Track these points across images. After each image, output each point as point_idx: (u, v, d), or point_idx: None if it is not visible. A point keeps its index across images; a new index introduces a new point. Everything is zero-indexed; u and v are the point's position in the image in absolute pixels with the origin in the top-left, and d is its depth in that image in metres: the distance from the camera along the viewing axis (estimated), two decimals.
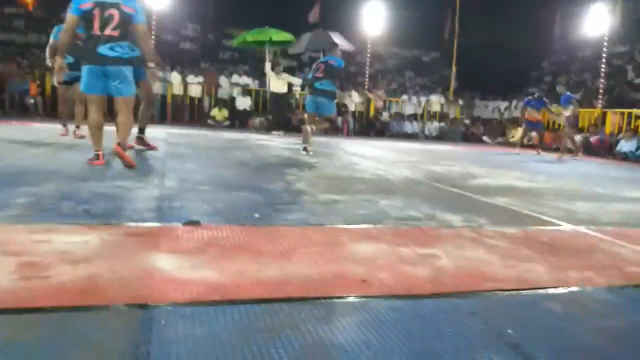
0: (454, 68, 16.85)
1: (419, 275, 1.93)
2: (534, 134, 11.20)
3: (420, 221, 2.95)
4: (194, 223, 2.45)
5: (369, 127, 15.09)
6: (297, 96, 15.36)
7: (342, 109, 14.83)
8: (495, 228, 2.88)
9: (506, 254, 2.32)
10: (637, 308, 1.76)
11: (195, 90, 14.50)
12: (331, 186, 4.11)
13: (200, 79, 14.75)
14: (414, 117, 15.81)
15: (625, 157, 10.27)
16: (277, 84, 12.32)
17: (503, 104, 16.81)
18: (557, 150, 10.82)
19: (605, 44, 12.95)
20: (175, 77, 14.17)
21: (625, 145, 10.59)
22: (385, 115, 15.64)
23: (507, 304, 1.72)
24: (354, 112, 15.44)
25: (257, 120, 14.04)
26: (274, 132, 12.13)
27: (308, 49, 15.11)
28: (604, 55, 13.12)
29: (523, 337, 1.44)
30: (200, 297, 1.56)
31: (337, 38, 14.40)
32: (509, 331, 1.48)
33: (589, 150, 11.92)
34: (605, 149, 11.68)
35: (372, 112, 15.37)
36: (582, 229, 3.04)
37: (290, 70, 18.61)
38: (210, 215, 2.68)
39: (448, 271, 2.01)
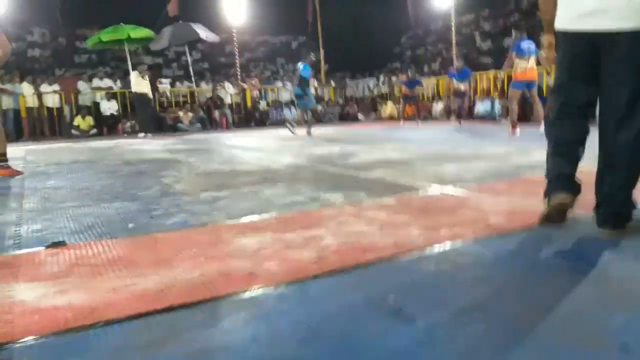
0: (322, 51, 17.24)
1: (305, 258, 1.94)
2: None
3: (304, 205, 2.98)
4: (59, 244, 2.23)
5: (248, 117, 14.96)
6: (169, 94, 14.69)
7: (217, 102, 14.50)
8: (374, 200, 3.01)
9: (384, 224, 2.43)
10: (500, 256, 1.92)
11: (52, 100, 13.19)
12: (212, 183, 3.99)
13: (57, 87, 13.45)
14: (291, 103, 15.95)
15: (482, 117, 11.35)
16: (140, 83, 11.59)
17: (371, 81, 17.61)
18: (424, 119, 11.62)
19: (452, 14, 14.06)
20: (26, 89, 12.74)
21: (481, 107, 11.69)
22: (263, 104, 15.60)
23: (387, 272, 1.79)
24: (230, 105, 15.18)
25: (127, 124, 13.20)
26: (139, 135, 11.47)
27: (171, 43, 14.49)
28: (453, 25, 14.25)
29: (403, 301, 1.52)
30: (69, 324, 1.41)
31: (200, 30, 13.99)
32: (390, 297, 1.55)
33: (451, 114, 12.95)
34: (465, 111, 12.78)
35: (249, 103, 15.22)
36: (449, 189, 3.29)
37: (157, 68, 17.74)
38: (77, 234, 2.46)
39: (332, 249, 2.05)
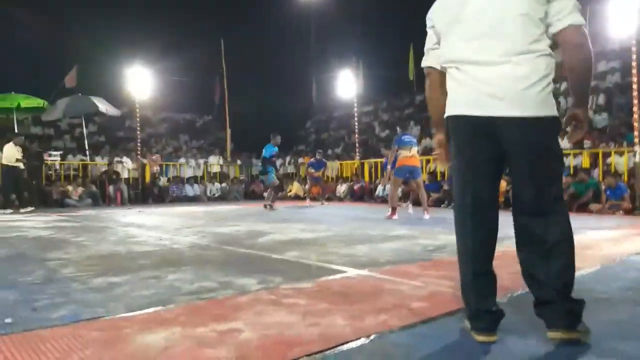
0: (228, 130, 17.33)
1: (222, 358, 1.70)
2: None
3: (215, 291, 2.72)
4: None
5: (146, 194, 14.23)
6: (57, 166, 13.64)
7: (112, 176, 13.69)
8: (291, 285, 2.84)
9: (306, 312, 2.26)
10: (428, 344, 1.84)
11: None
12: (107, 266, 3.57)
13: None
14: (194, 179, 15.55)
15: (384, 200, 11.80)
16: (13, 155, 10.46)
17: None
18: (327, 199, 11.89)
19: (355, 104, 15.00)
20: None
21: (381, 190, 12.21)
22: (163, 180, 15.01)
23: None
24: (127, 179, 14.40)
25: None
26: (21, 210, 10.30)
27: (66, 114, 13.72)
28: (355, 114, 15.16)
29: None
30: None
31: (100, 103, 13.49)
32: None
33: (354, 195, 13.41)
34: (367, 194, 13.29)
35: (147, 178, 14.55)
36: (365, 272, 3.22)
37: (46, 139, 16.61)
38: None
39: (252, 345, 1.83)
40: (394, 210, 7.42)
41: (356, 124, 14.99)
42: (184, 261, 3.78)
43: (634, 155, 8.31)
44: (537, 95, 1.76)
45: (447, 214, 7.65)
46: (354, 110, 15.15)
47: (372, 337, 1.92)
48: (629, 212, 8.02)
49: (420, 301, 2.45)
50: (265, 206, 10.22)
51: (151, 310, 2.35)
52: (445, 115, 1.96)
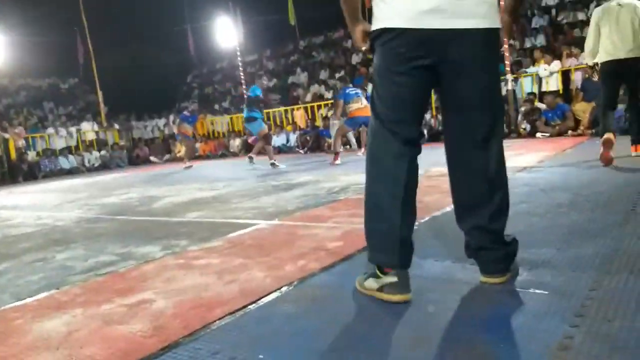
0: (99, 93, 15.82)
1: (137, 333, 1.54)
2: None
3: (115, 265, 2.48)
4: None
5: (14, 172, 12.67)
6: None
7: None
8: (200, 246, 2.68)
9: (221, 270, 2.14)
10: (350, 281, 1.81)
11: None
12: None
13: None
14: (68, 150, 14.13)
15: (280, 150, 11.73)
16: None
17: (161, 122, 16.84)
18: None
19: (238, 54, 14.40)
20: None
21: (277, 140, 12.10)
22: (31, 155, 13.45)
23: (244, 327, 1.52)
24: None
25: None
26: None
27: None
28: (239, 64, 14.57)
29: (273, 356, 1.28)
30: None
31: None
32: (260, 357, 1.29)
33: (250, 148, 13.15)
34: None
35: (13, 155, 12.94)
36: (276, 222, 3.15)
37: None
38: None
39: (168, 313, 1.68)
40: (337, 155, 7.34)
41: (242, 75, 14.44)
42: (71, 238, 3.41)
43: (505, 84, 9.01)
44: (487, 4, 1.53)
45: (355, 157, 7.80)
46: (238, 61, 14.55)
47: (294, 283, 1.86)
48: (504, 136, 8.78)
49: (335, 241, 2.44)
50: (250, 158, 8.61)
51: (44, 295, 2.07)
52: (373, 27, 1.60)
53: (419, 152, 1.62)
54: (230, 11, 15.49)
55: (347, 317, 1.52)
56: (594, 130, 7.58)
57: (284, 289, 1.82)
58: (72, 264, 2.59)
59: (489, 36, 1.53)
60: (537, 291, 1.54)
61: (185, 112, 10.95)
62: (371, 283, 1.65)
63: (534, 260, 1.84)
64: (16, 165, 12.79)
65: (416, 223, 1.71)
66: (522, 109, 8.97)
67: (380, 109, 1.62)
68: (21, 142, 13.30)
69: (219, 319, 1.59)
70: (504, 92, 9.30)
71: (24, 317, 1.80)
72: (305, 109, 13.06)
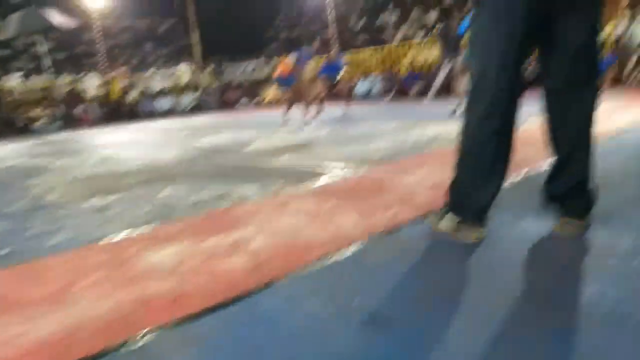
0: (197, 34, 16.27)
1: (238, 268, 1.64)
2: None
3: (215, 202, 2.63)
4: None
5: (117, 111, 13.64)
6: (16, 94, 12.83)
7: (78, 96, 13.02)
8: (293, 188, 2.76)
9: (315, 214, 2.20)
10: (439, 235, 1.78)
11: None
12: (93, 189, 3.41)
13: None
14: (165, 91, 14.90)
15: (363, 98, 11.58)
16: None
17: (250, 65, 17.12)
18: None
19: None
20: None
21: (360, 87, 11.93)
22: (133, 95, 14.35)
23: (341, 269, 1.57)
24: (94, 98, 13.74)
25: None
26: None
27: (21, 33, 12.65)
28: (327, 4, 14.22)
29: (371, 303, 1.31)
30: None
31: (53, 16, 12.41)
32: (357, 299, 1.33)
33: (334, 95, 13.05)
34: (346, 93, 12.94)
35: (116, 94, 13.89)
36: (364, 169, 3.15)
37: (3, 61, 15.54)
38: None
39: (268, 252, 1.77)
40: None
41: (330, 15, 14.03)
42: (173, 175, 3.65)
43: (617, 29, 8.10)
44: None
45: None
46: (325, 2, 14.19)
47: (385, 232, 1.87)
48: (613, 83, 7.98)
49: (424, 193, 2.40)
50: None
51: (152, 226, 2.26)
52: None
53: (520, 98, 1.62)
54: None
55: (439, 268, 1.51)
56: None
57: (375, 236, 1.84)
58: (176, 201, 2.78)
59: None
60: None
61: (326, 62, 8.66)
62: (447, 222, 1.74)
63: None
64: (119, 105, 13.76)
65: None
66: (634, 57, 8.06)
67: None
68: (124, 83, 14.20)
69: (315, 260, 1.64)
70: (614, 37, 8.37)
71: (136, 247, 1.98)
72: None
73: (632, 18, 8.48)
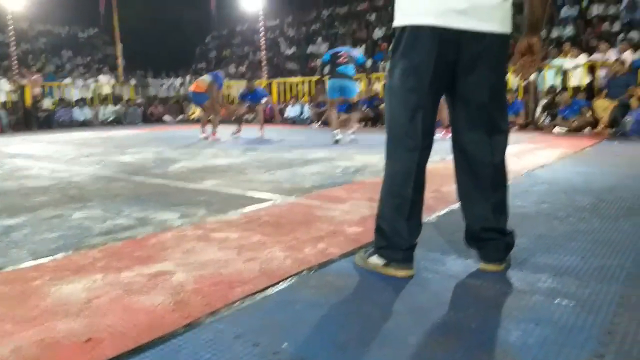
0: (119, 45, 15.67)
1: (158, 307, 1.55)
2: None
3: (133, 229, 2.49)
4: None
5: (29, 119, 12.68)
6: None
7: None
8: (218, 218, 2.68)
9: (240, 246, 2.14)
10: (369, 271, 1.81)
11: None
12: None
13: None
14: (82, 102, 14.09)
15: (293, 122, 11.65)
16: None
17: (177, 81, 16.71)
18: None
19: (261, 18, 14.11)
20: None
21: (292, 111, 12.00)
22: (47, 103, 13.43)
23: (266, 310, 1.52)
24: (4, 103, 12.72)
25: None
26: None
27: None
28: (261, 29, 14.31)
29: (298, 348, 1.28)
30: None
31: None
32: (284, 345, 1.29)
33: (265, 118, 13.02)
34: (275, 116, 12.98)
35: (28, 102, 12.93)
36: (292, 199, 3.14)
37: None
38: None
39: (189, 288, 1.69)
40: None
41: (262, 40, 14.19)
42: (88, 196, 3.42)
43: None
44: (505, 10, 1.66)
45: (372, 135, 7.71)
46: (259, 25, 14.30)
47: (315, 268, 1.86)
48: (522, 127, 8.63)
49: (353, 226, 2.42)
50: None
51: (61, 255, 2.09)
52: (400, 24, 1.69)
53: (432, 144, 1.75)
54: None
55: (370, 308, 1.51)
56: (613, 130, 7.44)
57: (304, 273, 1.81)
58: (90, 225, 2.60)
59: (502, 39, 1.67)
60: (564, 302, 1.52)
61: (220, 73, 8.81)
62: (376, 260, 1.80)
63: (557, 266, 1.82)
64: (31, 113, 12.80)
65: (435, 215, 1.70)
66: (543, 101, 8.80)
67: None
68: (37, 90, 13.27)
69: (241, 299, 1.59)
70: (525, 82, 9.10)
71: (43, 279, 1.81)
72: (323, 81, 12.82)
73: (542, 65, 9.28)
